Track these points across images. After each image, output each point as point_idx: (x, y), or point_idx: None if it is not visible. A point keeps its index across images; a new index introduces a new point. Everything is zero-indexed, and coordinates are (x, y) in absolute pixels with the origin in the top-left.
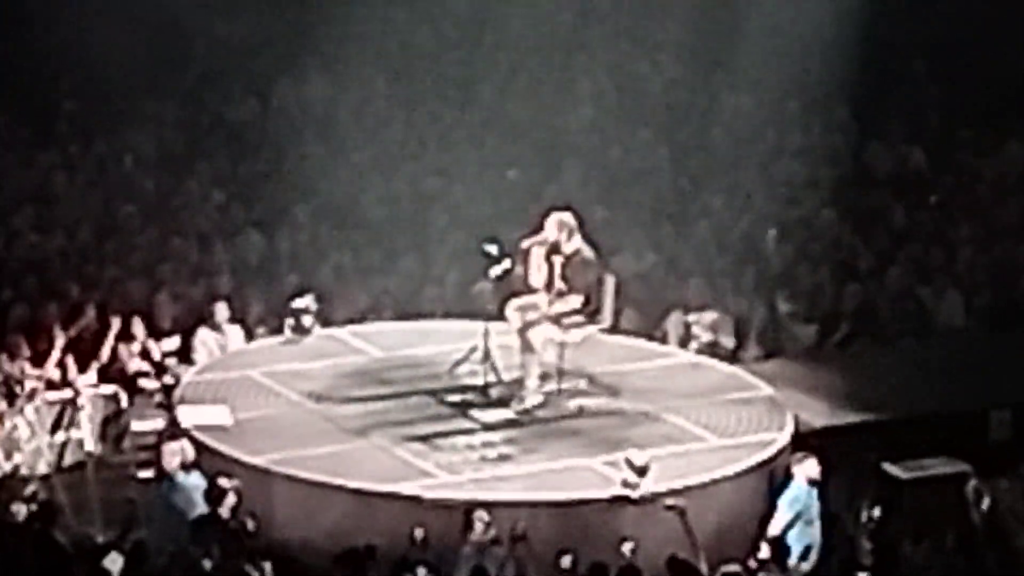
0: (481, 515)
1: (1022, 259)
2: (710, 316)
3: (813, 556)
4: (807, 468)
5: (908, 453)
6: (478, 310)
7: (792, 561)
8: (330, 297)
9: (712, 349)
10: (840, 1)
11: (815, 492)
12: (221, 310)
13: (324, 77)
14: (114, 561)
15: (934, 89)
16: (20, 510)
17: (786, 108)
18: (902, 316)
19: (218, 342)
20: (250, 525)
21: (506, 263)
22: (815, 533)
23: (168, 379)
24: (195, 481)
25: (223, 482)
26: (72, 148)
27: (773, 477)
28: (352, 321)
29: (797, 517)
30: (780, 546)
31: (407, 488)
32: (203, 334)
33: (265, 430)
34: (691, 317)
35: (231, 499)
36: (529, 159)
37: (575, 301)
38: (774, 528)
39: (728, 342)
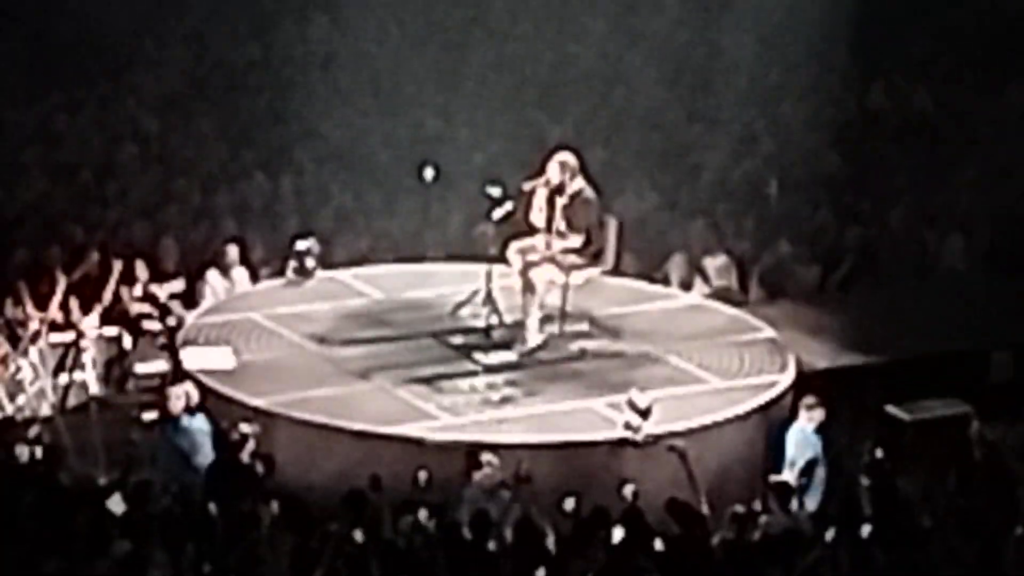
0: (490, 459)
1: None
2: (721, 260)
3: (818, 498)
4: (815, 415)
5: (910, 394)
6: (480, 252)
7: (796, 504)
8: (332, 239)
9: (725, 294)
10: None
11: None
12: (232, 253)
13: (326, 19)
14: (117, 503)
15: (938, 30)
16: (23, 452)
17: (789, 49)
18: (904, 258)
19: (224, 286)
20: (259, 468)
21: (508, 205)
22: (820, 475)
23: (171, 321)
24: (199, 424)
25: (244, 427)
26: (74, 89)
27: (776, 419)
28: (354, 263)
29: (815, 459)
30: (793, 489)
31: (409, 430)
32: (211, 277)
33: (268, 372)
34: (706, 261)
35: (251, 445)
36: (532, 101)
37: (576, 241)
38: (794, 471)
39: (735, 286)
